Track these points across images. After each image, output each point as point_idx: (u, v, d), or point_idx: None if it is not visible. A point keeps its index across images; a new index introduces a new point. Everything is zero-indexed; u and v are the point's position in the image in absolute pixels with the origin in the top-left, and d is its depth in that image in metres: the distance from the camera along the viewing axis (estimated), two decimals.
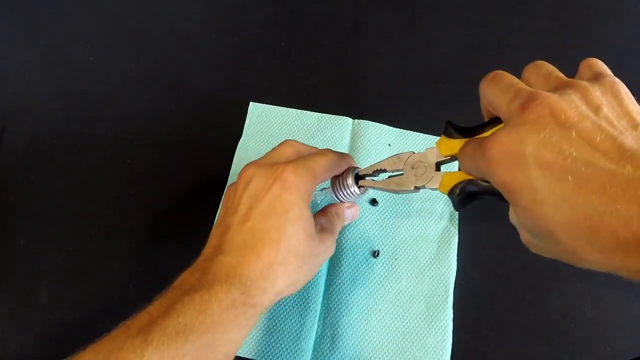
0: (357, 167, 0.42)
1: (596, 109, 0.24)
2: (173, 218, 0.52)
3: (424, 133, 0.56)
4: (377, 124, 0.56)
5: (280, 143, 0.39)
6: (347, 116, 0.56)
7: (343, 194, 0.41)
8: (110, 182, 0.54)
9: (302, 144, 0.39)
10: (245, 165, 0.36)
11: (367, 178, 0.41)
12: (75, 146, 0.56)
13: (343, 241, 0.50)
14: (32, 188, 0.53)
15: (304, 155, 0.37)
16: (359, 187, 0.41)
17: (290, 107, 0.57)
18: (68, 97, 0.59)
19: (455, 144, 0.34)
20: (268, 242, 0.32)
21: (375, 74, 0.61)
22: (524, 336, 0.46)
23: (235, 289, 0.31)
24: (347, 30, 0.64)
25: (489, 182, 0.28)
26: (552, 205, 0.22)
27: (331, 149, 0.39)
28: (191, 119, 0.57)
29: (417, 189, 0.37)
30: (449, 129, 0.35)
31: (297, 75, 0.61)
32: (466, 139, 0.33)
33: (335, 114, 0.56)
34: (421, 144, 0.56)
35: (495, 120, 0.32)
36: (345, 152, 0.54)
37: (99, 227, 0.51)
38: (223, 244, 0.33)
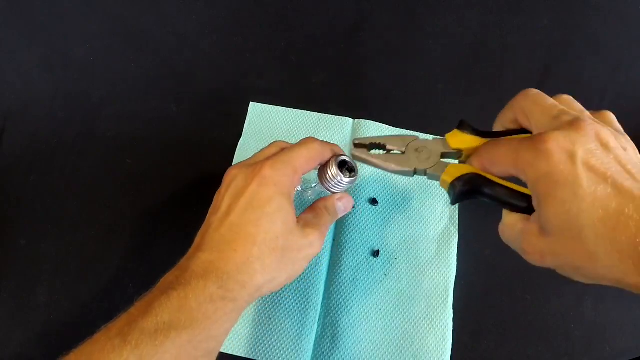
0: (343, 154, 0.39)
1: (624, 149, 0.29)
2: (173, 218, 0.52)
3: (424, 133, 0.56)
4: (378, 123, 0.56)
5: (268, 145, 0.39)
6: (347, 116, 0.56)
7: (330, 184, 0.39)
8: (110, 182, 0.54)
9: (289, 143, 0.39)
10: (230, 168, 0.37)
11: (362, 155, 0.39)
12: (75, 146, 0.56)
13: (343, 241, 0.50)
14: (32, 188, 0.53)
15: (284, 150, 0.37)
16: (349, 175, 0.38)
17: (290, 107, 0.57)
18: (68, 98, 0.59)
19: (468, 140, 0.36)
20: (245, 237, 0.33)
21: (375, 74, 0.61)
22: (524, 336, 0.46)
23: (212, 283, 0.31)
24: (347, 30, 0.64)
25: (500, 185, 0.32)
26: (590, 203, 0.26)
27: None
28: (191, 119, 0.57)
29: (416, 172, 0.37)
30: (464, 125, 0.37)
31: (297, 75, 0.61)
32: (488, 139, 0.35)
33: (335, 114, 0.56)
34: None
35: (519, 132, 0.34)
36: (346, 151, 0.54)
37: (99, 227, 0.51)
38: (203, 242, 0.34)
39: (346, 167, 0.39)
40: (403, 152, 0.38)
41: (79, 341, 0.46)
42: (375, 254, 0.49)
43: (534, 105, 0.32)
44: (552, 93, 0.60)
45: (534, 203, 0.30)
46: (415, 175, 0.38)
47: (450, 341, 0.46)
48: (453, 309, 0.47)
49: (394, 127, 0.56)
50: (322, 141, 0.38)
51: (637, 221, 0.25)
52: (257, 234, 0.33)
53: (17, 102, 0.58)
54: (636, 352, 0.46)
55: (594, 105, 0.59)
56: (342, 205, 0.40)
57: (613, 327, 0.47)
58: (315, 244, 0.37)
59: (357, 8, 0.65)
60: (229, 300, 0.32)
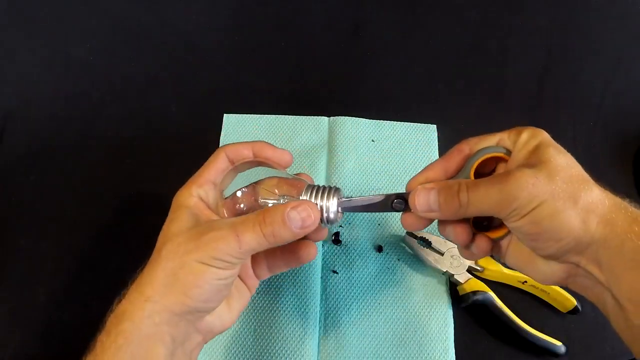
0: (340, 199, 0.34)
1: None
2: None
3: (403, 121, 0.56)
4: (354, 118, 0.56)
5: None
6: (350, 116, 0.56)
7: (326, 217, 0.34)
8: (110, 182, 0.54)
9: (236, 143, 0.37)
10: None
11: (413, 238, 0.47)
12: (75, 146, 0.56)
13: (341, 239, 0.50)
14: (32, 188, 0.53)
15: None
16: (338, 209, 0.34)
17: (290, 107, 0.57)
18: (68, 97, 0.59)
19: (492, 264, 0.48)
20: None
21: (375, 74, 0.61)
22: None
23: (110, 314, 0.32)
24: (347, 30, 0.64)
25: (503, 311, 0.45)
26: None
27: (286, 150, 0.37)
28: (191, 119, 0.57)
29: (445, 273, 0.47)
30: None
31: (297, 75, 0.61)
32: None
33: (335, 115, 0.56)
34: (402, 132, 0.56)
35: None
36: (324, 151, 0.54)
37: (98, 227, 0.51)
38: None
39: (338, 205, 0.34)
40: (442, 254, 0.47)
41: (79, 341, 0.46)
42: (379, 249, 0.50)
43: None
44: (552, 93, 0.60)
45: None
46: (442, 276, 0.48)
47: (452, 326, 0.47)
48: (453, 308, 0.47)
49: (374, 119, 0.56)
50: (235, 144, 0.36)
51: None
52: (155, 248, 0.33)
53: (17, 102, 0.58)
54: None
55: (594, 105, 0.60)
56: (297, 215, 0.31)
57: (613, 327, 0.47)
58: (209, 245, 0.30)
59: (357, 8, 0.65)
60: (123, 321, 0.30)
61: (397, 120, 0.57)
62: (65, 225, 0.51)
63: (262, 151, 0.36)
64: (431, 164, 0.35)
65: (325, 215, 0.33)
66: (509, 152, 0.33)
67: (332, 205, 0.33)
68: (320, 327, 0.47)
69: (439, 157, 0.54)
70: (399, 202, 0.34)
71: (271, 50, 0.62)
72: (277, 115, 0.57)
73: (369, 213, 0.51)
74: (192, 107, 0.58)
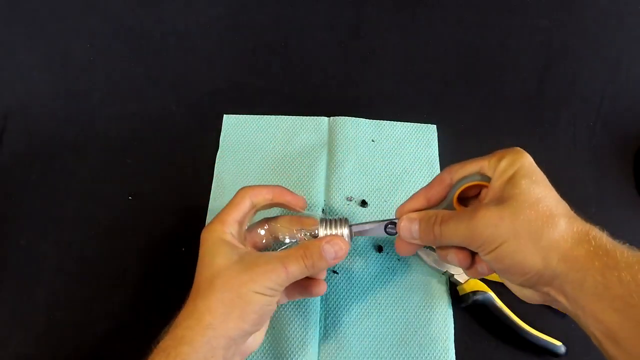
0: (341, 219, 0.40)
1: None
2: (173, 218, 0.52)
3: (403, 121, 0.56)
4: (354, 118, 0.56)
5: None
6: (350, 116, 0.56)
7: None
8: (110, 182, 0.54)
9: (254, 186, 0.41)
10: None
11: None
12: (75, 146, 0.56)
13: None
14: (32, 188, 0.53)
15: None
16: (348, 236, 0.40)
17: (290, 107, 0.57)
18: (68, 97, 0.59)
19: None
20: (194, 286, 0.36)
21: (375, 74, 0.61)
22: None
23: (164, 340, 0.34)
24: (347, 30, 0.64)
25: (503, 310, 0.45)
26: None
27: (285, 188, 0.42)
28: (191, 119, 0.57)
29: (445, 273, 0.48)
30: None
31: (297, 75, 0.61)
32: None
33: (335, 115, 0.56)
34: (402, 132, 0.56)
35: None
36: (324, 151, 0.54)
37: (98, 227, 0.51)
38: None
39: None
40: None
41: (79, 341, 0.47)
42: (379, 249, 0.50)
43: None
44: (552, 93, 0.60)
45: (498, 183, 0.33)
46: (442, 276, 0.48)
47: (452, 326, 0.47)
48: (452, 308, 0.47)
49: (374, 119, 0.56)
50: (257, 187, 0.40)
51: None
52: (199, 279, 0.36)
53: (17, 102, 0.58)
54: None
55: (594, 105, 0.60)
56: (331, 248, 0.37)
57: None
58: (263, 276, 0.35)
59: (357, 8, 0.65)
60: (182, 344, 0.33)
61: (397, 120, 0.57)
62: (65, 225, 0.51)
63: (282, 196, 0.41)
64: (416, 193, 0.38)
65: None
66: (488, 179, 0.34)
67: (344, 233, 0.39)
68: (320, 327, 0.46)
69: (439, 157, 0.55)
70: (391, 227, 0.39)
71: (271, 50, 0.62)
72: (276, 116, 0.56)
73: (370, 213, 0.51)
74: (192, 107, 0.58)
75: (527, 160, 0.33)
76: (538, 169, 0.33)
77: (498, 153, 0.34)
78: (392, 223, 0.38)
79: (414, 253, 0.40)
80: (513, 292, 0.36)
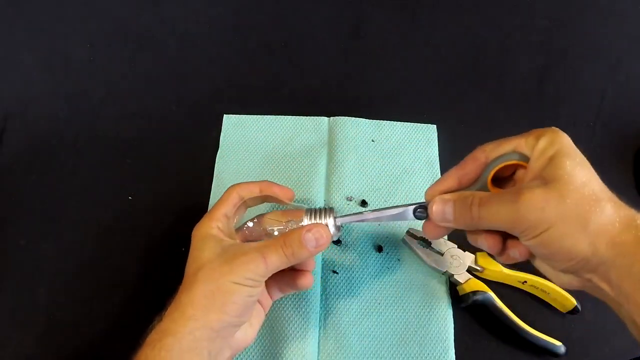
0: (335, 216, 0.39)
1: None
2: (173, 218, 0.52)
3: (403, 121, 0.56)
4: (354, 118, 0.56)
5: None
6: (350, 116, 0.56)
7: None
8: (110, 182, 0.54)
9: (242, 183, 0.42)
10: None
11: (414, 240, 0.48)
12: (75, 146, 0.56)
13: (341, 239, 0.50)
14: (32, 188, 0.53)
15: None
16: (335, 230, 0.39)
17: (290, 107, 0.57)
18: (68, 98, 0.59)
19: (493, 264, 0.47)
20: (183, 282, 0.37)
21: (375, 74, 0.61)
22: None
23: (151, 334, 0.35)
24: (347, 30, 0.64)
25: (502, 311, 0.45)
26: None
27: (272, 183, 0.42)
28: (191, 119, 0.57)
29: (445, 273, 0.47)
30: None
31: (297, 75, 0.61)
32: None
33: (335, 115, 0.56)
34: (402, 132, 0.56)
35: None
36: (324, 151, 0.54)
37: (98, 227, 0.51)
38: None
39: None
40: (442, 254, 0.47)
41: (79, 341, 0.47)
42: (379, 249, 0.50)
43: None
44: (552, 93, 0.60)
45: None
46: (442, 276, 0.48)
47: (452, 326, 0.47)
48: (452, 308, 0.47)
49: (374, 119, 0.56)
50: (245, 183, 0.41)
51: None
52: (186, 274, 0.36)
53: (17, 102, 0.58)
54: (636, 352, 0.46)
55: (594, 105, 0.60)
56: (312, 236, 0.36)
57: (613, 327, 0.47)
58: (241, 267, 0.34)
59: (357, 8, 0.65)
60: (166, 336, 0.33)
61: (397, 120, 0.57)
62: (65, 225, 0.51)
63: (269, 187, 0.41)
64: (447, 173, 0.36)
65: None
66: (526, 158, 0.33)
67: (329, 223, 0.38)
68: (320, 328, 0.46)
69: (439, 157, 0.55)
70: (421, 211, 0.37)
71: (271, 50, 0.62)
72: (276, 116, 0.56)
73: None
74: (192, 107, 0.58)
75: (566, 140, 0.31)
76: (578, 150, 0.31)
77: (535, 131, 0.33)
78: (422, 207, 0.37)
79: (444, 236, 0.38)
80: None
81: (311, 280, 0.41)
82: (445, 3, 0.66)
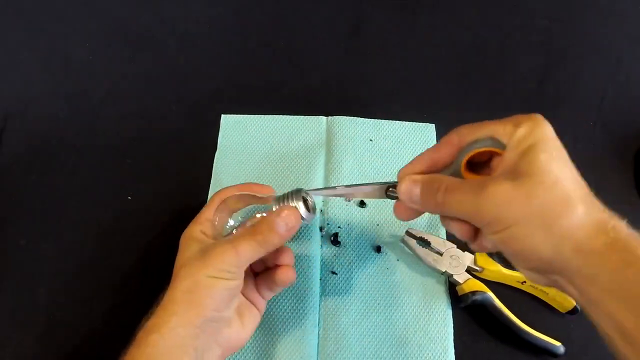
0: (302, 193, 0.39)
1: None
2: (173, 218, 0.52)
3: (400, 120, 0.56)
4: (352, 117, 0.56)
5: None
6: (350, 116, 0.56)
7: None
8: (110, 182, 0.54)
9: (230, 186, 0.43)
10: None
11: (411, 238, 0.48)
12: (75, 146, 0.56)
13: (340, 239, 0.50)
14: (32, 188, 0.53)
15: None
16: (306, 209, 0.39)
17: (290, 107, 0.57)
18: (68, 97, 0.59)
19: (491, 263, 0.47)
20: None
21: (375, 74, 0.61)
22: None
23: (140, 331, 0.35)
24: (347, 30, 0.64)
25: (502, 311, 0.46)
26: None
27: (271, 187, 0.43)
28: (191, 119, 0.57)
29: (444, 273, 0.48)
30: (493, 256, 0.48)
31: (297, 75, 0.61)
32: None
33: (335, 114, 0.56)
34: (400, 132, 0.56)
35: None
36: (323, 151, 0.54)
37: (99, 227, 0.51)
38: None
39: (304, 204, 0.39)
40: (441, 254, 0.48)
41: (79, 341, 0.47)
42: (378, 249, 0.50)
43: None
44: (552, 93, 0.60)
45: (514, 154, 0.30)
46: (441, 276, 0.48)
47: (452, 326, 0.47)
48: (452, 308, 0.47)
49: (372, 118, 0.56)
50: (227, 187, 0.43)
51: None
52: (172, 276, 0.37)
53: (17, 102, 0.58)
54: None
55: (594, 105, 0.60)
56: (281, 219, 0.36)
57: None
58: (214, 259, 0.35)
59: (357, 8, 0.65)
60: (151, 333, 0.34)
61: (397, 120, 0.57)
62: (65, 225, 0.51)
63: (248, 187, 0.42)
64: (422, 153, 0.35)
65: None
66: (502, 146, 0.30)
67: (299, 205, 0.38)
68: (319, 328, 0.47)
69: None
70: (392, 191, 0.36)
71: (271, 50, 0.62)
72: (274, 116, 0.56)
73: (368, 213, 0.51)
74: (192, 107, 0.58)
75: (547, 131, 0.29)
76: (559, 142, 0.30)
77: (515, 118, 0.30)
78: (393, 186, 0.36)
79: (414, 219, 0.37)
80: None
81: (292, 274, 0.40)
82: (445, 3, 0.66)
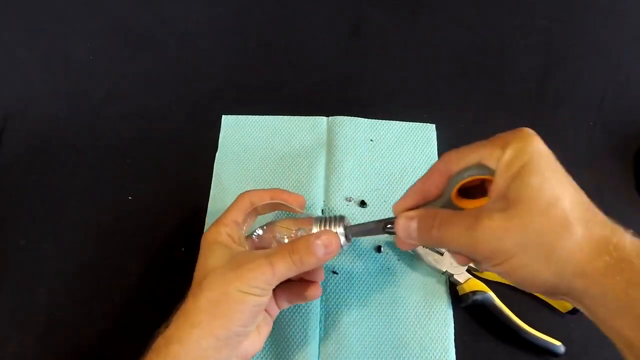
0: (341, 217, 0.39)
1: None
2: (173, 218, 0.52)
3: (400, 120, 0.56)
4: (352, 118, 0.56)
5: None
6: (350, 116, 0.56)
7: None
8: (110, 182, 0.54)
9: (256, 189, 0.42)
10: None
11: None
12: (75, 146, 0.56)
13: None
14: (32, 188, 0.53)
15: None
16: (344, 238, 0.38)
17: (290, 107, 0.57)
18: (68, 97, 0.59)
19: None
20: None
21: (375, 75, 0.61)
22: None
23: (158, 339, 0.34)
24: (347, 30, 0.64)
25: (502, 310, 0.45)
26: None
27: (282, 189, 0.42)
28: (191, 119, 0.57)
29: (444, 273, 0.47)
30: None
31: (297, 75, 0.61)
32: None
33: (335, 114, 0.56)
34: (401, 132, 0.56)
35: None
36: (323, 151, 0.54)
37: (98, 227, 0.51)
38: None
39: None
40: (441, 254, 0.47)
41: (79, 341, 0.47)
42: (378, 249, 0.50)
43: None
44: (552, 93, 0.60)
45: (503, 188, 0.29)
46: (442, 275, 0.48)
47: (452, 326, 0.47)
48: (452, 308, 0.47)
49: (372, 118, 0.56)
50: (256, 190, 0.41)
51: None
52: (194, 281, 0.36)
53: (17, 102, 0.58)
54: None
55: (594, 105, 0.60)
56: (321, 243, 0.35)
57: None
58: (248, 274, 0.34)
59: (357, 8, 0.65)
60: (172, 343, 0.33)
61: (397, 120, 0.57)
62: (65, 225, 0.51)
63: (280, 194, 0.41)
64: (412, 186, 0.34)
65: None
66: (491, 172, 0.29)
67: (339, 231, 0.37)
68: (320, 328, 0.47)
69: (438, 157, 0.55)
70: (390, 227, 0.36)
71: (271, 50, 0.62)
72: (275, 116, 0.56)
73: (369, 213, 0.51)
74: (192, 107, 0.58)
75: (536, 149, 0.28)
76: (551, 158, 0.28)
77: (502, 138, 0.29)
78: (390, 223, 0.36)
79: (416, 247, 0.37)
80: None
81: (319, 292, 0.40)
82: (445, 3, 0.66)
